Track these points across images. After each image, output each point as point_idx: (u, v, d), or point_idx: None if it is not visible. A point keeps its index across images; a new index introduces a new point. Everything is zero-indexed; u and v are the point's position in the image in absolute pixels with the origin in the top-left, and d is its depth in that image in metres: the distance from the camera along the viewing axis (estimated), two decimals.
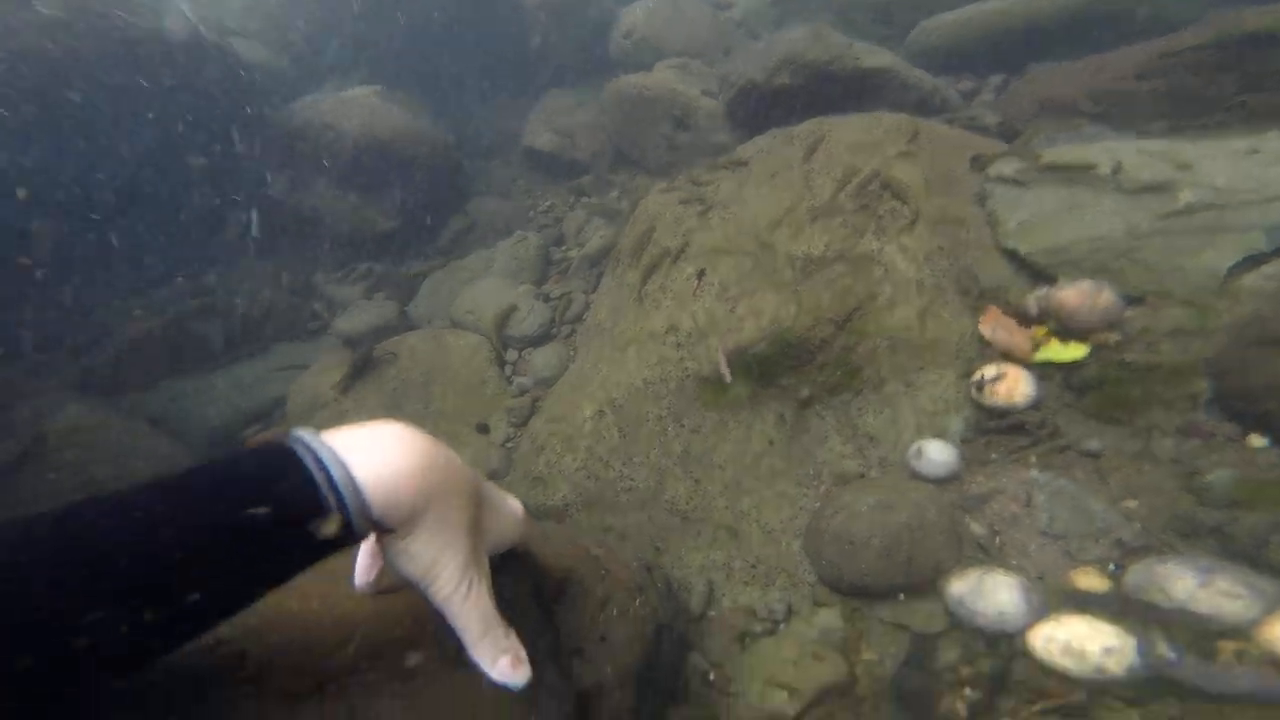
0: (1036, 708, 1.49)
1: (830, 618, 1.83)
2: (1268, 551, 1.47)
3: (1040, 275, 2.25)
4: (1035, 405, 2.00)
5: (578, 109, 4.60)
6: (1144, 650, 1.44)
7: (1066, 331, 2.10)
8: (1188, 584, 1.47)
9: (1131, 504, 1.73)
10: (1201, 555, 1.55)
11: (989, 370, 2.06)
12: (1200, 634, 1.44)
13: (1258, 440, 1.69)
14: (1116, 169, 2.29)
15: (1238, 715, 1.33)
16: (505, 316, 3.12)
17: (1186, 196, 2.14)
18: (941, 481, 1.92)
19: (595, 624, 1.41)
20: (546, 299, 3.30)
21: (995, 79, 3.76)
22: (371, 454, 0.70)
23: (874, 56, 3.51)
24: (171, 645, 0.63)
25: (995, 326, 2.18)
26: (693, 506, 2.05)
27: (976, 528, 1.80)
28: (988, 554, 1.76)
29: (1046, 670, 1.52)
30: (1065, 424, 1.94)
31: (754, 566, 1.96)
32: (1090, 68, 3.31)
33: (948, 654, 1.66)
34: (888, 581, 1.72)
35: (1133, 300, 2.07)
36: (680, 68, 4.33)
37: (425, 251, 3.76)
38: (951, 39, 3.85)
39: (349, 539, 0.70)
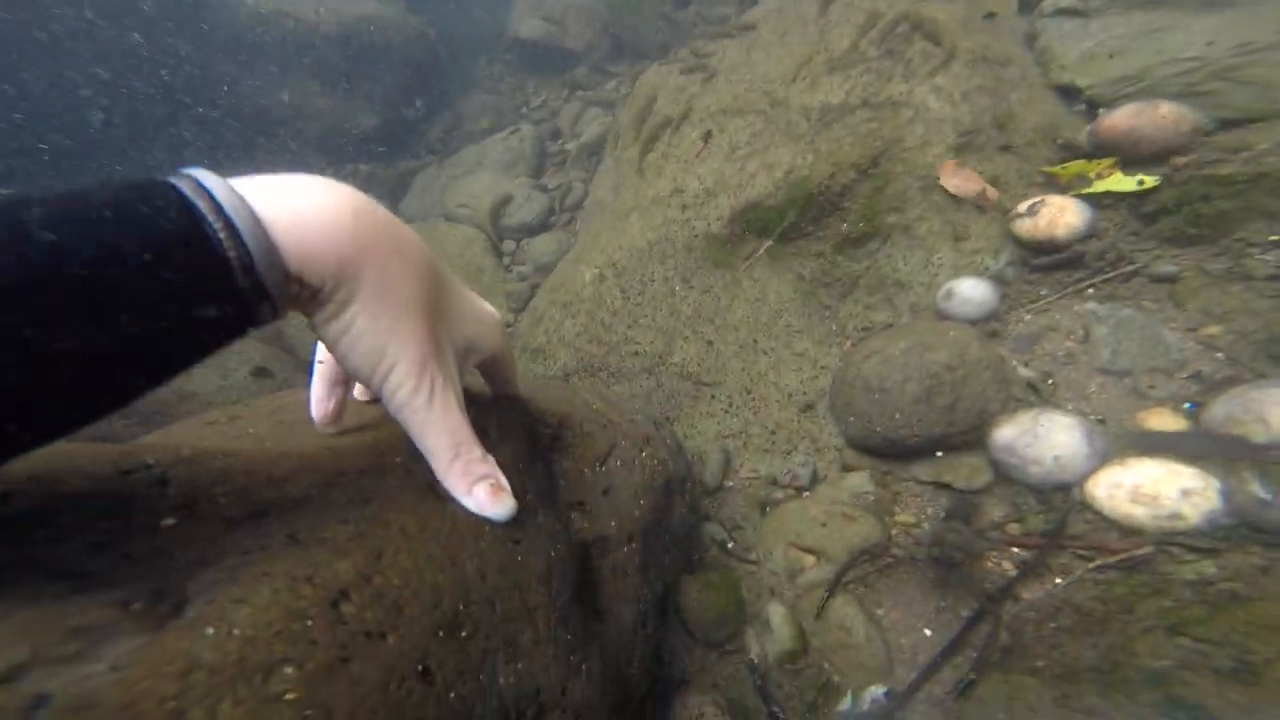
0: (1094, 564, 1.27)
1: (860, 481, 1.61)
2: None
3: (1100, 109, 1.89)
4: (1084, 237, 1.69)
5: None
6: (1230, 492, 1.19)
7: (1135, 162, 1.75)
8: None
9: (1214, 330, 1.45)
10: None
11: (1026, 204, 1.74)
12: None
13: None
14: None
15: None
16: (500, 206, 2.85)
17: None
18: (976, 322, 1.65)
19: (597, 476, 1.20)
20: (545, 190, 3.02)
21: None
22: (277, 190, 0.50)
23: None
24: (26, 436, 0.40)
25: (955, 177, 1.84)
26: (705, 369, 1.82)
27: (1025, 371, 1.54)
28: (1040, 396, 1.50)
29: (1110, 523, 1.29)
30: (1132, 250, 1.64)
31: (773, 433, 1.73)
32: None
33: (993, 512, 1.44)
34: (926, 432, 1.48)
35: (1227, 124, 1.70)
36: None
37: (415, 150, 3.43)
38: None
39: (258, 304, 0.49)
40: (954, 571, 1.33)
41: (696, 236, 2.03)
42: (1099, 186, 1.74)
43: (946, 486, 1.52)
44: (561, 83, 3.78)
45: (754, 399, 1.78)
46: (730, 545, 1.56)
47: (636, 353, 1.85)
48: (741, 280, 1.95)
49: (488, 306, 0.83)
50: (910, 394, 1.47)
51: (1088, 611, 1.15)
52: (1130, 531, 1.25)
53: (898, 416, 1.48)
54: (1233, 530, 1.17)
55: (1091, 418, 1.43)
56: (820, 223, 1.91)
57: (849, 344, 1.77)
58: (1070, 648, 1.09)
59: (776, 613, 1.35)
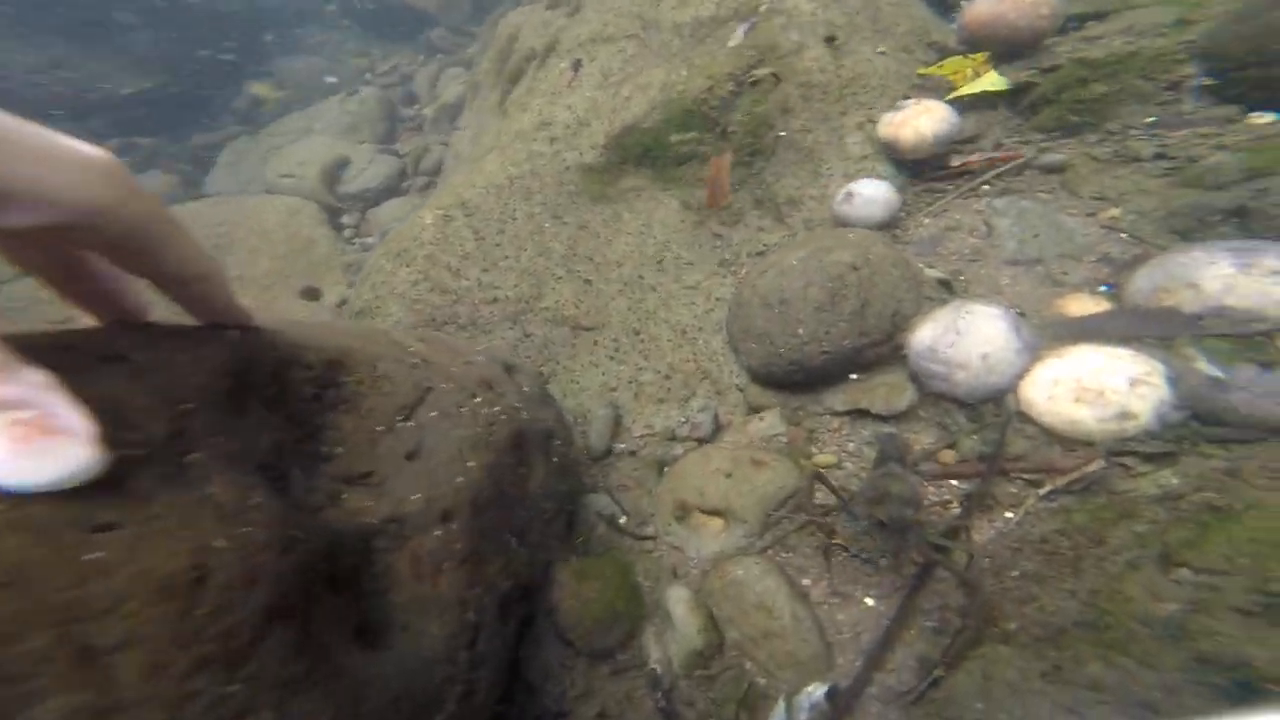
0: (1044, 490, 1.01)
1: (769, 422, 1.29)
2: None
3: (963, 2, 1.74)
4: (943, 141, 1.48)
5: None
6: (1178, 376, 0.98)
7: (1006, 56, 1.60)
8: (1223, 271, 1.02)
9: (1114, 213, 1.29)
10: (1215, 242, 1.10)
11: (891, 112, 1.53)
12: (1248, 342, 0.99)
13: (1262, 118, 1.27)
14: None
15: None
16: (334, 171, 2.31)
17: None
18: (882, 226, 1.41)
19: (397, 434, 0.78)
20: (398, 155, 2.53)
21: None
22: None
23: None
24: None
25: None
26: (584, 311, 1.43)
27: (934, 271, 1.30)
28: (954, 294, 1.27)
29: (1052, 435, 1.05)
30: (1017, 144, 1.47)
31: (668, 378, 1.38)
32: None
33: (921, 438, 1.17)
34: (836, 346, 1.19)
35: (1081, 17, 1.59)
36: None
37: (218, 119, 2.77)
38: None
39: None
40: (910, 535, 1.00)
41: (568, 169, 1.66)
42: (974, 87, 1.58)
43: (865, 413, 1.24)
44: (416, 46, 3.29)
45: (643, 340, 1.42)
46: (623, 520, 1.18)
47: (495, 299, 1.43)
48: (622, 213, 1.59)
49: (84, 147, 0.46)
50: (813, 300, 1.17)
51: (1053, 549, 0.87)
52: (1076, 442, 1.01)
53: (801, 331, 1.18)
54: (1183, 428, 0.96)
55: (1013, 311, 1.21)
56: (703, 143, 1.60)
57: (744, 272, 1.47)
58: (1045, 599, 0.79)
59: (679, 599, 0.97)
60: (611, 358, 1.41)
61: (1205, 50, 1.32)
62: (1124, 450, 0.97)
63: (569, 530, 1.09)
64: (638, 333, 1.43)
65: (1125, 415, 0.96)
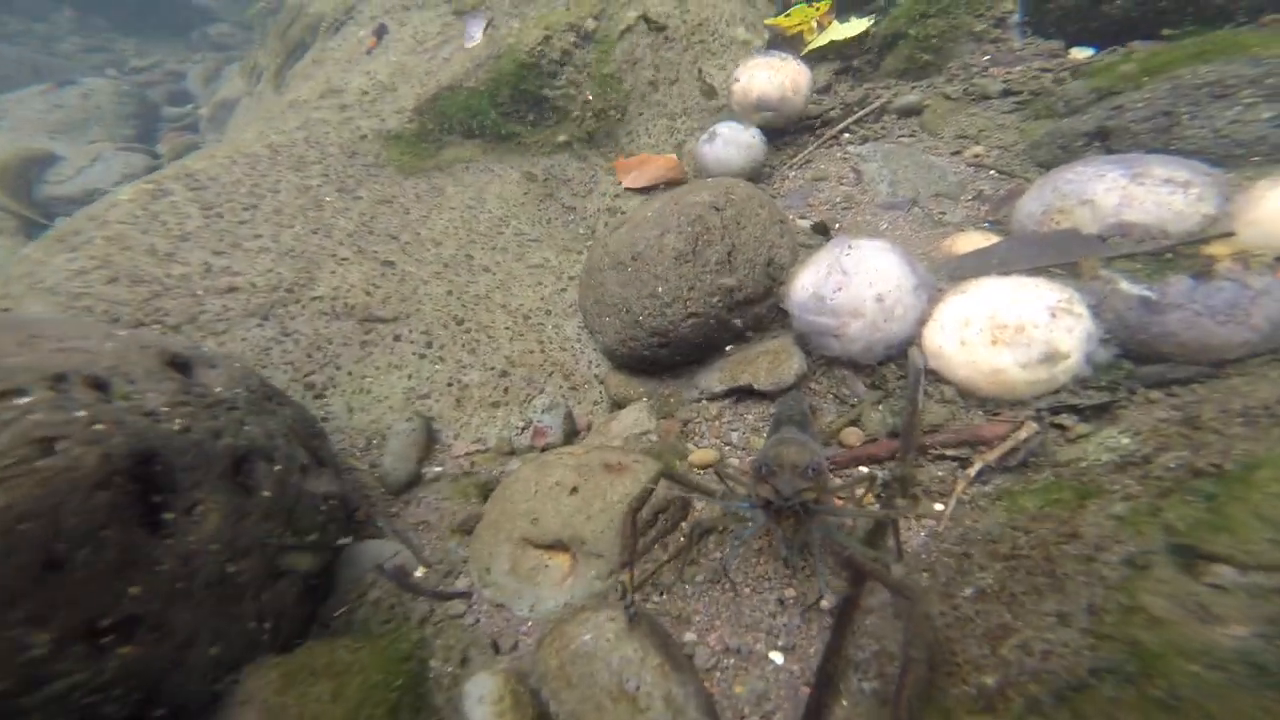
0: (973, 468, 0.75)
1: (635, 416, 0.95)
2: (1178, 127, 0.93)
3: None
4: (780, 98, 1.30)
5: None
6: (1100, 302, 0.77)
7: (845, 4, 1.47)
8: (1116, 182, 0.85)
9: (978, 150, 1.15)
10: (1094, 157, 0.95)
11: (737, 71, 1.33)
12: (1160, 260, 0.81)
13: (1083, 52, 1.21)
14: None
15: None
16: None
17: None
18: (748, 175, 1.17)
19: None
20: (155, 155, 1.99)
21: None
22: None
23: None
24: None
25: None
26: (382, 299, 1.01)
27: (807, 223, 1.07)
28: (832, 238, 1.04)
29: (971, 394, 0.80)
30: (871, 93, 1.33)
31: (504, 374, 1.00)
32: None
33: (817, 417, 0.89)
34: (705, 307, 0.89)
35: None
36: None
37: None
38: None
39: None
40: (815, 518, 0.64)
41: (364, 138, 1.26)
42: (821, 40, 1.44)
43: (748, 392, 0.94)
44: (189, 43, 2.73)
45: (469, 331, 1.03)
46: (419, 574, 0.76)
47: (233, 288, 0.97)
48: (444, 186, 1.22)
49: None
50: (671, 250, 0.86)
51: (1011, 551, 0.57)
52: (1001, 401, 0.78)
53: (661, 290, 0.87)
54: (1116, 369, 0.75)
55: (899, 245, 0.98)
56: (544, 106, 1.29)
57: (598, 235, 1.16)
58: (1026, 630, 0.48)
59: (483, 697, 0.57)
60: (422, 355, 1.00)
61: None
62: (1057, 407, 0.75)
63: (308, 602, 0.66)
64: (461, 322, 1.04)
65: (1052, 356, 0.74)
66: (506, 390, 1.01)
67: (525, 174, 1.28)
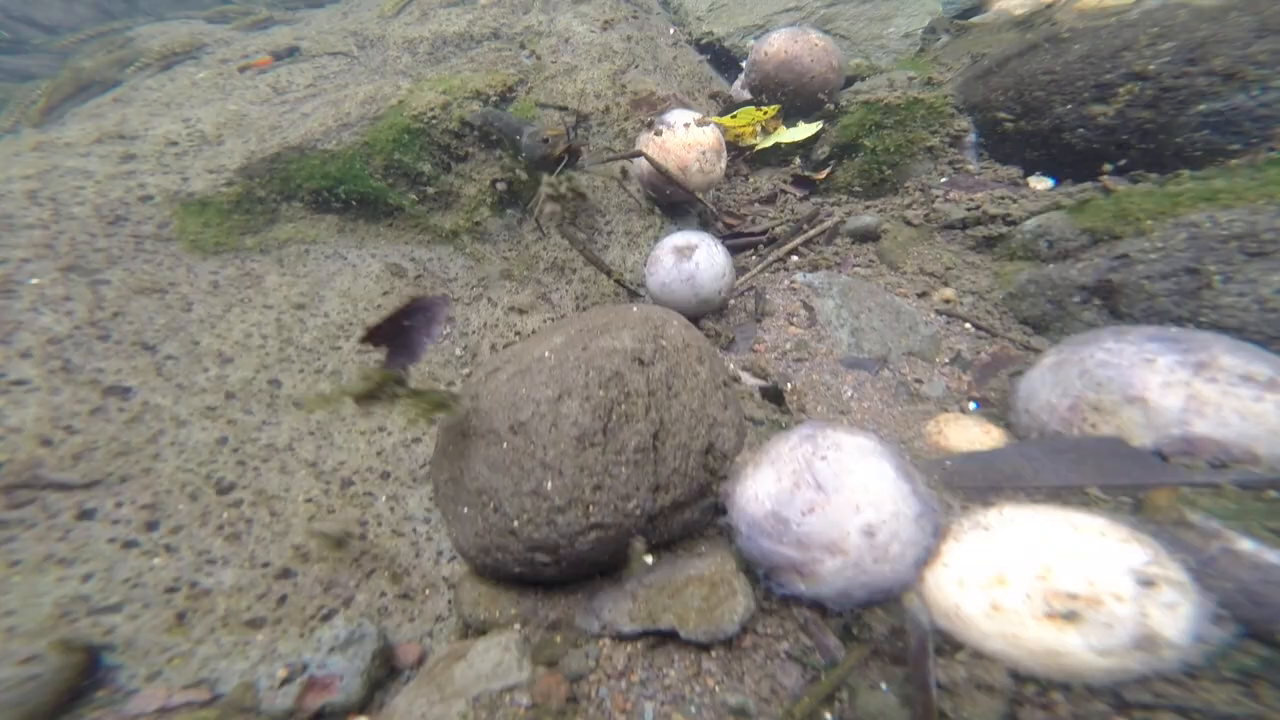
0: None
1: (495, 656, 0.57)
2: (1209, 292, 0.68)
3: (741, 59, 1.44)
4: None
5: None
6: (1201, 561, 0.48)
7: (797, 106, 1.26)
8: (1174, 374, 0.59)
9: (948, 294, 0.93)
10: (1126, 328, 0.70)
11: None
12: (1263, 498, 0.53)
13: (1043, 182, 1.04)
14: None
15: None
16: None
17: None
18: (715, 304, 0.85)
19: None
20: None
21: None
22: None
23: None
24: None
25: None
26: (73, 452, 0.56)
27: (753, 378, 0.76)
28: (788, 414, 0.72)
29: (1004, 670, 0.49)
30: (822, 209, 1.10)
31: (285, 574, 0.58)
32: None
33: (761, 686, 0.54)
34: (614, 509, 0.54)
35: (854, 78, 1.34)
36: None
37: None
38: None
39: None
40: None
41: (148, 199, 0.85)
42: (769, 141, 1.23)
43: (671, 637, 0.59)
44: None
45: (236, 505, 0.61)
46: None
47: None
48: (265, 274, 0.82)
49: None
50: (572, 426, 0.53)
51: None
52: (1054, 688, 0.47)
53: (552, 486, 0.51)
54: (1238, 656, 0.46)
55: (892, 442, 0.68)
56: (432, 181, 0.94)
57: (470, 374, 0.79)
58: None
59: None
60: (131, 544, 0.57)
61: (968, 103, 1.09)
62: (1147, 704, 0.45)
63: None
64: (228, 490, 0.63)
65: (1149, 642, 0.45)
66: (282, 601, 0.59)
67: (390, 266, 0.91)
